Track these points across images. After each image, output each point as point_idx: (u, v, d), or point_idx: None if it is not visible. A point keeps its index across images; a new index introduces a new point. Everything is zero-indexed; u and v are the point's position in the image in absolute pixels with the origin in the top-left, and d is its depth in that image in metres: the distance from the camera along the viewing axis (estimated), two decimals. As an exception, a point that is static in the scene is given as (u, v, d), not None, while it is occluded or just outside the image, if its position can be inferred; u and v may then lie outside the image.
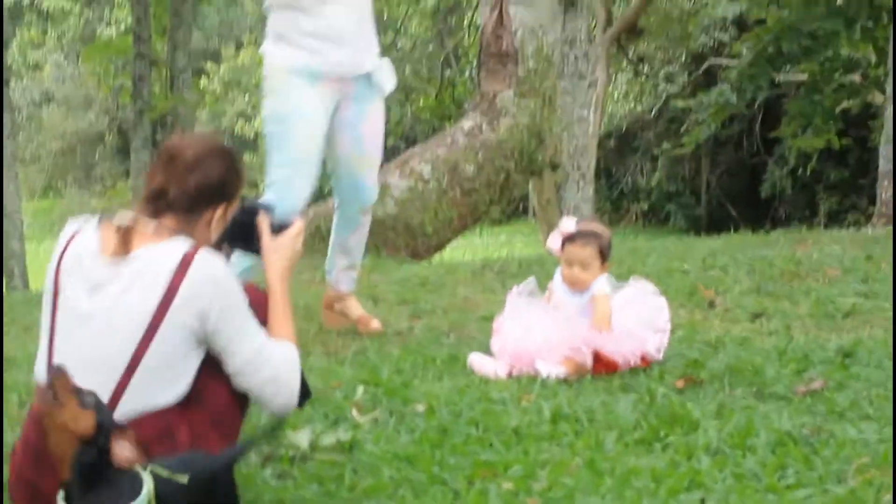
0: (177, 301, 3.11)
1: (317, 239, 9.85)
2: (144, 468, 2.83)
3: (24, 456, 3.22)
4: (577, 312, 5.25)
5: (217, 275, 3.19)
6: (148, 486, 2.76)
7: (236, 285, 3.24)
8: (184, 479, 2.85)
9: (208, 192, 3.34)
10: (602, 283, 5.27)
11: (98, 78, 23.48)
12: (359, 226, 6.13)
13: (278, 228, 3.57)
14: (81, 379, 2.86)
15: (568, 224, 5.40)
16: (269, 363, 3.25)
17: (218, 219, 3.39)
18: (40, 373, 3.22)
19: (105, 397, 2.98)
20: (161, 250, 3.17)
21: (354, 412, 4.45)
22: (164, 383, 3.16)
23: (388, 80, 5.81)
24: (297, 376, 3.34)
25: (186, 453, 3.04)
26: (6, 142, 12.89)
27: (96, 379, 3.01)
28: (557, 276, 5.41)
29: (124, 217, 3.25)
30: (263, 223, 3.56)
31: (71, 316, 3.20)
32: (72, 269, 3.23)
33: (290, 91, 5.57)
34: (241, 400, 3.40)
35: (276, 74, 5.62)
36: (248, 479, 3.73)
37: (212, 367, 3.27)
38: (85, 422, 2.69)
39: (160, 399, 3.13)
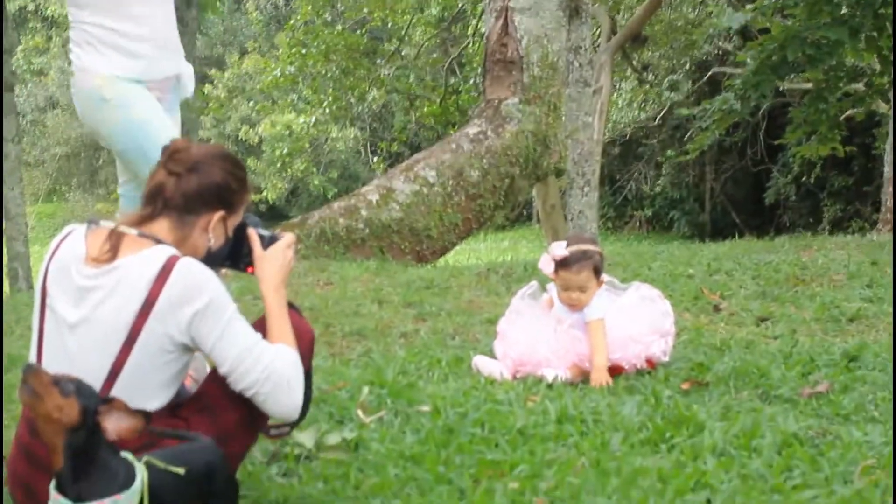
0: (155, 311, 3.10)
1: (322, 242, 9.90)
2: (140, 460, 2.82)
3: (18, 456, 3.23)
4: (577, 328, 5.24)
5: (197, 282, 3.17)
6: (141, 475, 2.75)
7: (219, 290, 3.21)
8: (180, 471, 2.84)
9: (207, 193, 3.33)
10: (596, 305, 5.24)
11: (102, 83, 23.46)
12: None
13: (269, 242, 3.57)
14: None
15: (558, 248, 5.30)
16: (260, 362, 3.21)
17: (216, 224, 3.38)
18: None
19: None
20: (142, 259, 3.16)
21: (360, 412, 4.45)
22: (146, 392, 3.16)
23: (190, 84, 5.60)
24: (296, 376, 3.29)
25: (183, 445, 3.03)
26: (11, 146, 12.93)
27: None
28: (553, 289, 5.39)
29: (110, 225, 3.26)
30: (253, 236, 3.56)
31: (56, 324, 3.22)
32: (58, 276, 3.24)
33: (134, 98, 5.25)
34: (251, 426, 3.40)
35: (108, 84, 5.23)
36: (253, 476, 3.73)
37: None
38: (69, 410, 2.67)
39: (144, 406, 3.12)
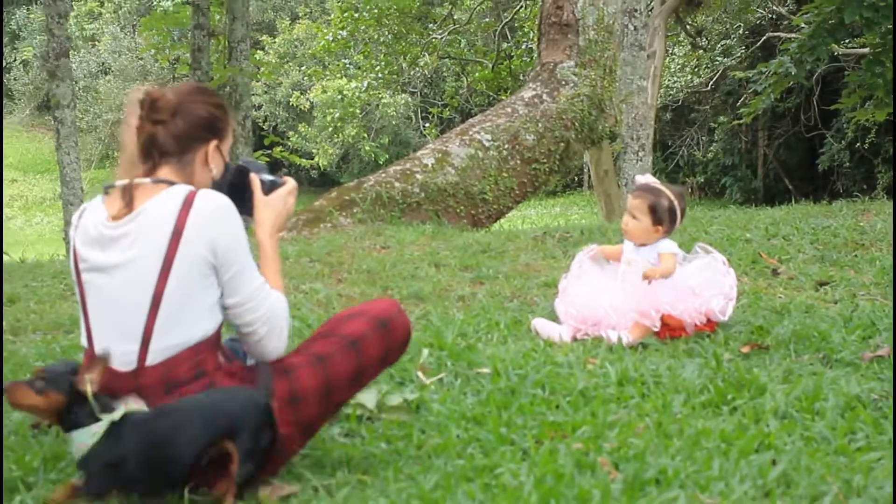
0: (185, 236, 3.20)
1: (377, 206, 9.92)
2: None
3: None
4: (646, 266, 5.31)
5: (220, 207, 3.28)
6: (115, 415, 3.03)
7: (239, 220, 3.34)
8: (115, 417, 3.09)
9: (196, 129, 3.43)
10: (669, 242, 5.37)
11: (155, 49, 23.64)
12: None
13: (270, 187, 3.63)
14: (113, 329, 3.17)
15: (640, 177, 5.67)
16: (266, 302, 3.37)
17: (213, 154, 3.47)
18: (83, 341, 3.33)
19: (136, 341, 3.17)
20: (163, 198, 3.26)
21: (420, 374, 4.47)
22: (191, 318, 3.24)
23: None
24: (287, 323, 3.45)
25: (162, 406, 3.18)
26: (67, 111, 13.11)
27: (126, 325, 3.18)
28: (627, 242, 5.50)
29: (121, 181, 3.33)
30: (255, 182, 3.63)
31: (93, 276, 3.29)
32: (86, 240, 3.32)
33: None
34: (357, 381, 3.54)
35: None
36: (315, 437, 3.75)
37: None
38: (48, 402, 3.02)
39: (191, 334, 3.23)
